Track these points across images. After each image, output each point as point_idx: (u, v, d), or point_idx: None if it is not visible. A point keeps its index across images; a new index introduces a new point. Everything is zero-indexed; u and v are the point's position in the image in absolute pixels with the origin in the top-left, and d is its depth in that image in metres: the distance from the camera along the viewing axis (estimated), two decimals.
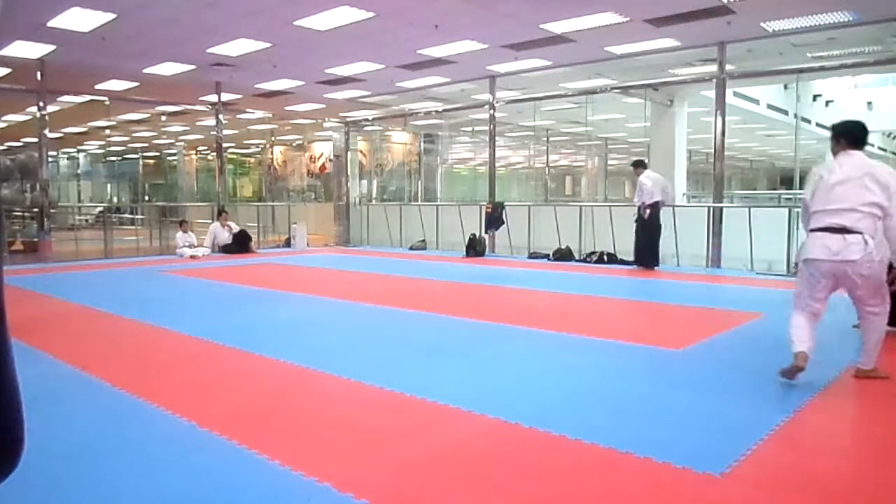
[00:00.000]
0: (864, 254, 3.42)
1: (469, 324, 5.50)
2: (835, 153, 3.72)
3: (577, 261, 10.84)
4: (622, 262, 10.07)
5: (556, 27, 8.99)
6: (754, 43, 9.68)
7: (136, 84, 12.63)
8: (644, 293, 7.74)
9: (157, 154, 23.17)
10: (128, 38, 9.33)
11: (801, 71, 10.77)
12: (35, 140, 11.63)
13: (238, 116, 16.05)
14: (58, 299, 6.95)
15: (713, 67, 10.22)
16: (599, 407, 3.27)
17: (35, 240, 11.66)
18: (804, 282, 3.68)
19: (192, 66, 11.31)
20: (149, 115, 17.06)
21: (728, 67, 10.06)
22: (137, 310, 6.11)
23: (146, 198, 22.08)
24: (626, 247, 10.19)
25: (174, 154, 22.78)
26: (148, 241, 14.44)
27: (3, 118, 17.21)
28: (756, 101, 15.10)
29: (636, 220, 9.43)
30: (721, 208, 9.97)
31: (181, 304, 6.82)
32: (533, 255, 11.61)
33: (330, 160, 16.66)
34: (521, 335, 5.03)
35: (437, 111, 15.12)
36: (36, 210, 11.57)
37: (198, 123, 17.55)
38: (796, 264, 3.93)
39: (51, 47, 9.86)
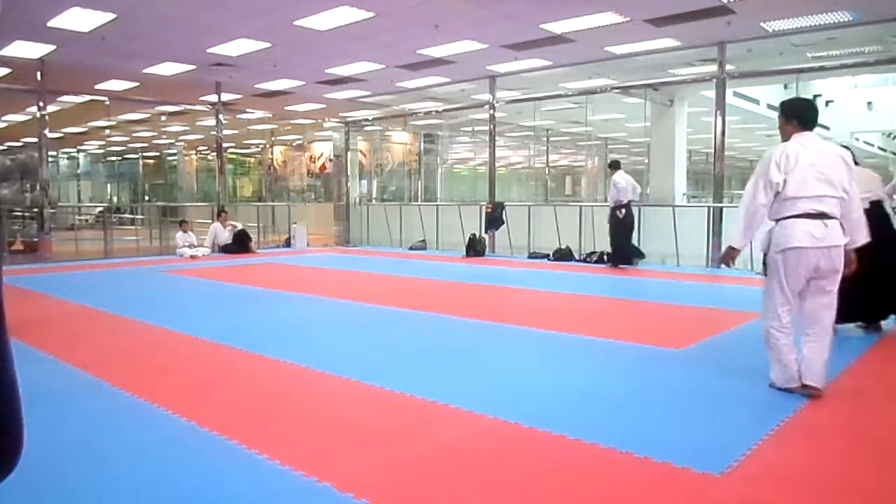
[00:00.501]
0: (843, 240, 3.32)
1: (469, 324, 5.50)
2: (787, 135, 3.47)
3: (577, 261, 10.84)
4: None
5: (556, 27, 8.99)
6: (754, 43, 9.68)
7: (136, 84, 12.62)
8: (644, 293, 7.74)
9: (157, 154, 23.17)
10: (128, 38, 9.33)
11: (801, 71, 10.76)
12: (35, 140, 11.63)
13: (238, 116, 16.05)
14: (58, 299, 6.95)
15: (713, 67, 10.22)
16: (599, 407, 3.27)
17: (35, 240, 11.66)
18: (781, 278, 3.37)
19: (192, 66, 11.31)
20: (149, 115, 17.06)
21: (728, 67, 10.06)
22: (137, 310, 6.10)
23: (146, 198, 22.09)
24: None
25: (174, 154, 22.79)
26: (148, 241, 14.44)
27: (3, 118, 17.21)
28: (756, 101, 15.10)
29: (609, 221, 9.78)
30: (721, 208, 9.96)
31: (181, 305, 6.82)
32: (533, 255, 11.61)
33: (330, 160, 16.66)
34: (521, 335, 5.03)
35: (437, 111, 15.12)
36: (36, 210, 11.56)
37: (198, 123, 17.56)
38: (764, 263, 3.54)
39: (51, 47, 9.86)
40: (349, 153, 16.24)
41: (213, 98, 13.31)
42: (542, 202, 15.01)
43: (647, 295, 7.58)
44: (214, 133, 13.66)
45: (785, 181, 3.31)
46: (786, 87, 15.64)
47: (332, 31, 9.01)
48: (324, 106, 15.45)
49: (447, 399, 3.27)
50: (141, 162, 22.65)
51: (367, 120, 16.31)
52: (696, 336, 4.89)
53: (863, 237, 3.48)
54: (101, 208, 18.33)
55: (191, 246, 12.08)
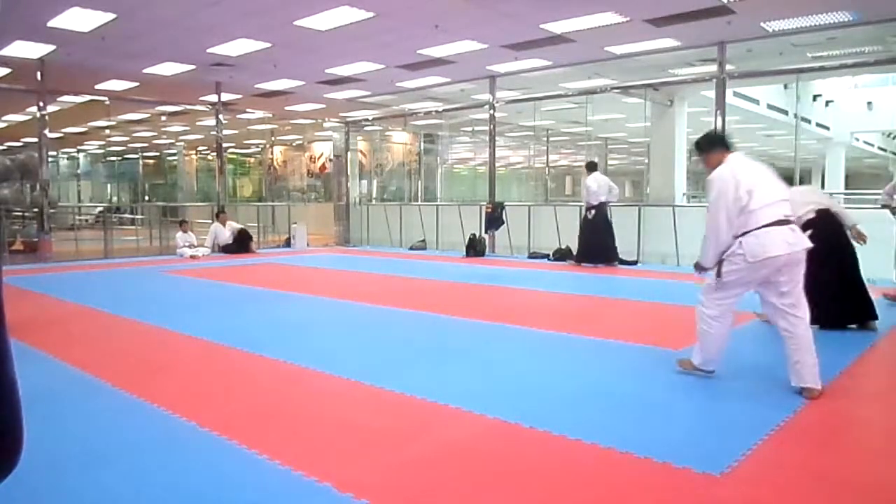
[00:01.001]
0: (808, 243, 3.45)
1: (469, 324, 5.49)
2: (717, 162, 3.58)
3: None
4: (622, 262, 10.07)
5: (556, 27, 8.98)
6: (754, 43, 9.68)
7: (136, 84, 12.63)
8: (644, 293, 7.73)
9: (157, 154, 23.18)
10: (128, 38, 9.33)
11: (801, 71, 10.77)
12: (35, 140, 11.63)
13: (238, 116, 16.05)
14: (58, 299, 6.95)
15: (713, 67, 10.21)
16: (599, 407, 3.27)
17: (35, 240, 11.66)
18: (740, 281, 3.51)
19: (192, 66, 11.31)
20: (149, 115, 17.07)
21: (728, 67, 10.06)
22: (137, 310, 6.10)
23: (146, 198, 22.08)
24: (626, 247, 10.21)
25: (174, 154, 22.79)
26: (148, 241, 14.44)
27: (3, 118, 17.21)
28: (756, 101, 15.10)
29: (582, 221, 10.14)
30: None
31: (181, 305, 6.82)
32: (533, 255, 11.61)
33: (330, 160, 16.67)
34: (521, 335, 5.03)
35: (437, 111, 15.12)
36: (36, 210, 11.56)
37: (198, 123, 17.56)
38: (719, 271, 3.64)
39: (51, 47, 9.86)
40: (349, 153, 16.24)
41: (213, 98, 13.31)
42: (542, 202, 15.00)
43: (648, 295, 7.57)
44: (214, 133, 13.66)
45: (749, 195, 3.39)
46: (786, 87, 15.67)
47: (332, 31, 9.00)
48: (324, 106, 15.45)
49: (447, 399, 3.27)
50: (141, 162, 22.65)
51: (367, 120, 16.31)
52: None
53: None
54: (101, 208, 18.33)
55: (191, 246, 12.08)
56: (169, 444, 2.74)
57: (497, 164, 13.67)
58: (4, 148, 21.33)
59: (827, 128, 19.76)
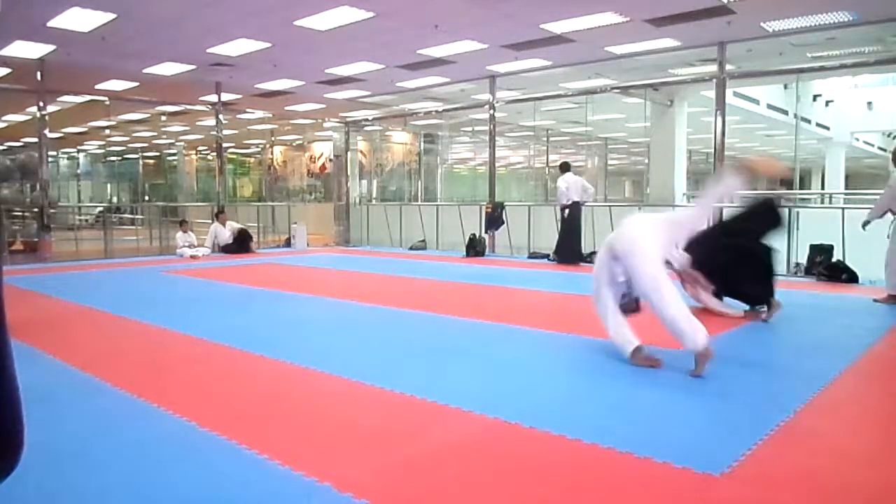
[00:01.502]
0: None
1: (469, 324, 5.49)
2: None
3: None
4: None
5: (556, 27, 8.99)
6: (754, 43, 9.68)
7: (136, 84, 12.63)
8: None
9: (157, 154, 23.16)
10: (128, 38, 9.34)
11: (801, 71, 10.77)
12: (35, 140, 11.63)
13: (238, 116, 16.06)
14: (58, 299, 6.95)
15: (713, 67, 10.22)
16: (599, 406, 3.27)
17: (35, 240, 11.67)
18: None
19: (192, 66, 11.31)
20: (149, 115, 17.07)
21: (728, 67, 10.07)
22: (137, 310, 6.10)
23: (146, 198, 22.07)
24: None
25: (174, 154, 22.78)
26: (148, 241, 14.44)
27: (3, 118, 17.21)
28: (756, 101, 15.11)
29: (559, 220, 10.59)
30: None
31: (181, 304, 6.81)
32: (533, 255, 11.61)
33: (330, 160, 16.68)
34: (521, 335, 5.03)
35: (437, 111, 15.12)
36: (36, 210, 11.57)
37: (198, 123, 17.55)
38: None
39: (51, 47, 9.86)
40: (349, 153, 16.25)
41: (213, 98, 13.31)
42: (542, 202, 15.00)
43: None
44: (214, 133, 13.66)
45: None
46: (786, 87, 15.68)
47: (332, 31, 9.01)
48: (324, 106, 15.45)
49: (447, 399, 3.27)
50: (141, 162, 22.64)
51: (367, 120, 16.31)
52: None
53: None
54: (101, 208, 18.33)
55: (191, 246, 12.08)
56: (169, 445, 2.74)
57: (497, 164, 13.67)
58: (4, 148, 21.33)
59: (827, 128, 19.76)
